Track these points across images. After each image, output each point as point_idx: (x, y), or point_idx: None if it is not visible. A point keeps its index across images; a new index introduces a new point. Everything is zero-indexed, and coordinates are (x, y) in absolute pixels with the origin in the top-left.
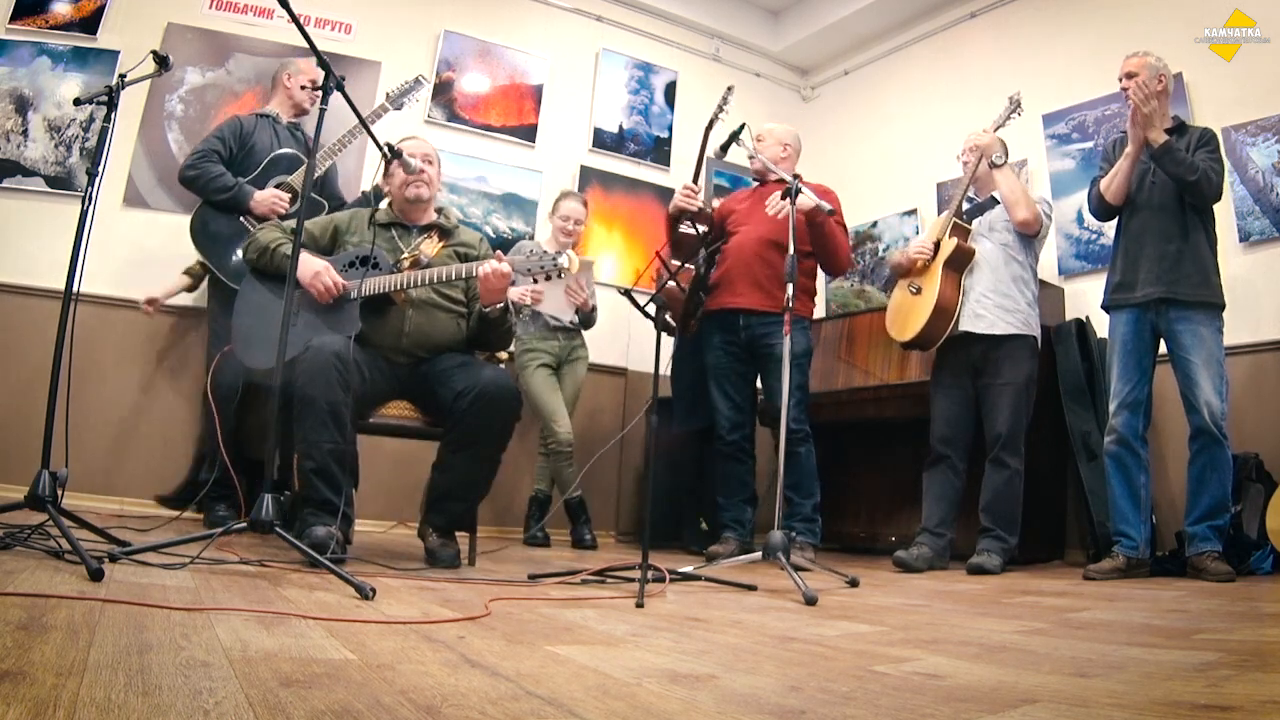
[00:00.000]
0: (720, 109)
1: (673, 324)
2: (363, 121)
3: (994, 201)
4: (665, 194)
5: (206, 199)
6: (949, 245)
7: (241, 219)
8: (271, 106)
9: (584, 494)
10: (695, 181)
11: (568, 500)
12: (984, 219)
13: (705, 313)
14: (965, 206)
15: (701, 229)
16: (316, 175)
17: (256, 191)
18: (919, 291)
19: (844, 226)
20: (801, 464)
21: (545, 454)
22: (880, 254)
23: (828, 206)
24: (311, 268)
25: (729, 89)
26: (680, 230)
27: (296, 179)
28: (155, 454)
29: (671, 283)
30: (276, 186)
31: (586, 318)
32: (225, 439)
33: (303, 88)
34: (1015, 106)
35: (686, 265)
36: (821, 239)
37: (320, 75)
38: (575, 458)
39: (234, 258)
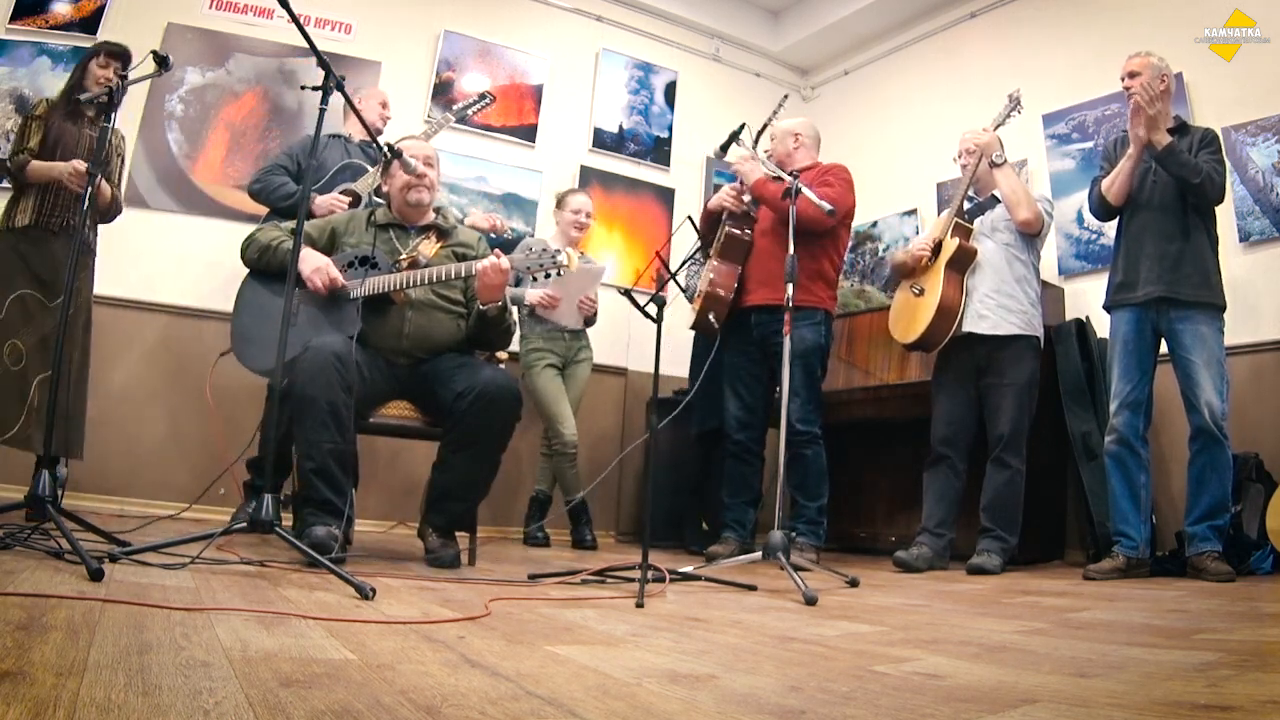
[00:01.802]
0: (775, 114)
1: (716, 325)
2: (363, 121)
3: (995, 201)
4: (665, 194)
5: (272, 207)
6: (951, 245)
7: None
8: (344, 129)
9: (585, 495)
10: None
11: (568, 502)
12: (985, 219)
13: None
14: (966, 206)
15: (747, 233)
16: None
17: (317, 196)
18: (922, 293)
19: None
20: (809, 466)
21: (548, 455)
22: (880, 254)
23: (827, 207)
24: (313, 262)
25: (785, 98)
26: (730, 230)
27: (359, 185)
28: (156, 454)
29: (716, 288)
30: (341, 193)
31: (588, 318)
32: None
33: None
34: (1015, 104)
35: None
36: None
37: (386, 97)
38: (577, 458)
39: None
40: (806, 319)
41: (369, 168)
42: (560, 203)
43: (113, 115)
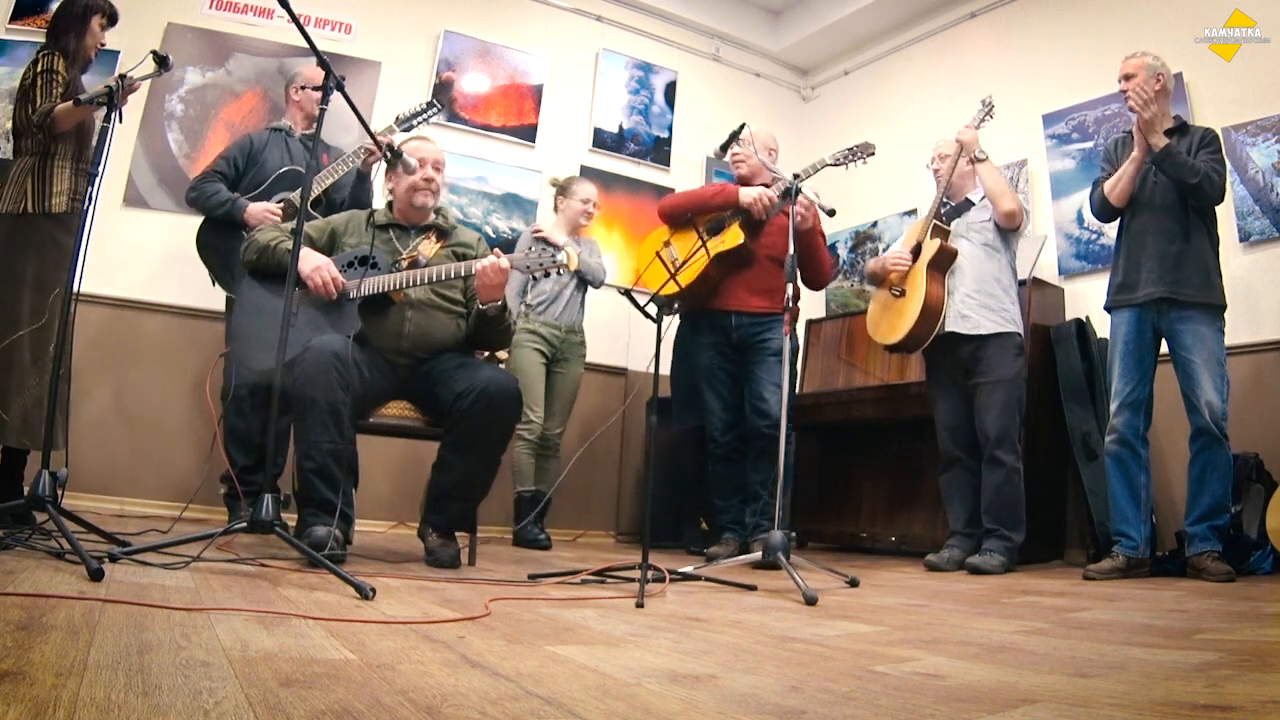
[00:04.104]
0: (859, 161)
1: (678, 307)
2: (363, 122)
3: (969, 204)
4: (665, 194)
5: (208, 214)
6: (932, 246)
7: (242, 233)
8: (285, 121)
9: (543, 489)
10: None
11: (521, 493)
12: (962, 220)
13: (695, 312)
14: (942, 210)
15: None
16: (329, 184)
17: (250, 204)
18: (903, 294)
19: (823, 236)
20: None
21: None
22: (880, 254)
23: (829, 206)
24: (312, 261)
25: (866, 156)
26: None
27: (296, 195)
28: (155, 454)
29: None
30: (277, 202)
31: (594, 279)
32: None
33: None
34: (988, 109)
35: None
36: (808, 250)
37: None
38: (560, 455)
39: (226, 267)
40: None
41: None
42: (566, 190)
43: (112, 115)
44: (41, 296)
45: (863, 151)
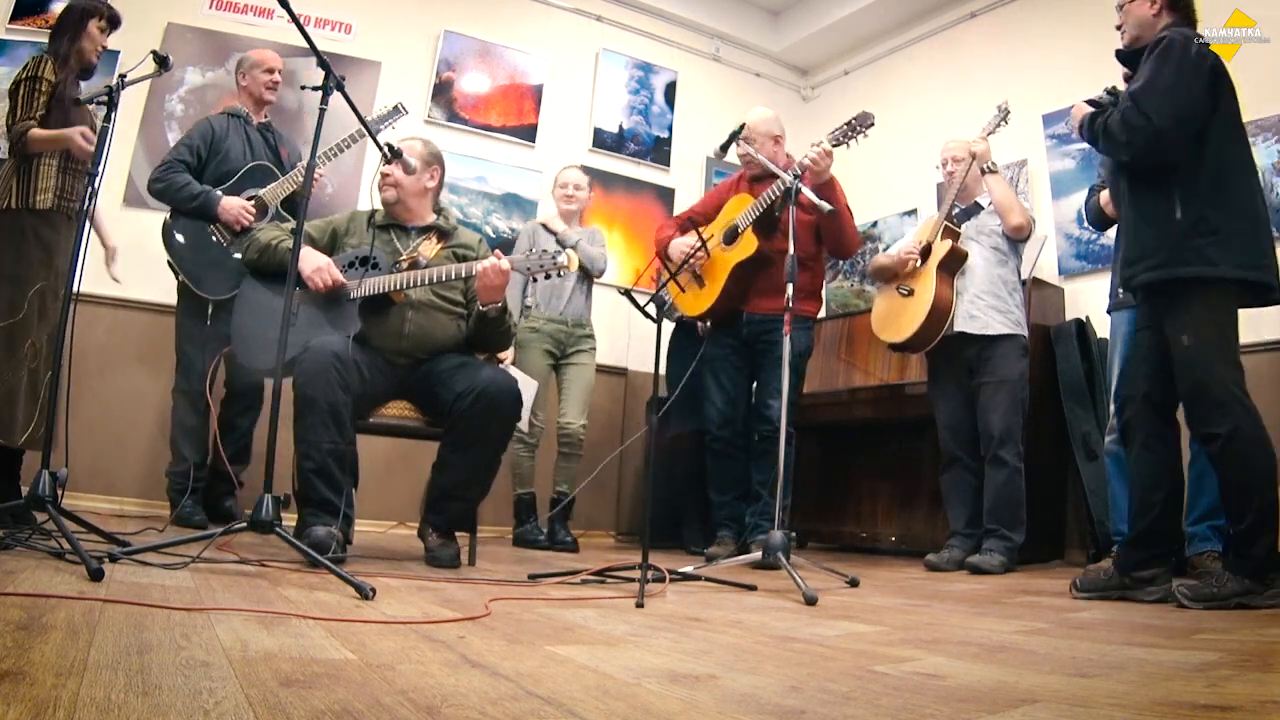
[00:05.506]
0: (860, 134)
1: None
2: (363, 122)
3: (978, 207)
4: (665, 194)
5: (175, 208)
6: (943, 247)
7: (210, 227)
8: (239, 105)
9: (564, 490)
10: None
11: (521, 495)
12: (971, 224)
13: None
14: (954, 212)
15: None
16: (290, 192)
17: (225, 197)
18: (910, 294)
19: (849, 209)
20: (786, 463)
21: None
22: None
23: (827, 207)
24: (313, 261)
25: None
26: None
27: (267, 194)
28: (155, 454)
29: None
30: (249, 199)
31: (593, 268)
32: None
33: (267, 73)
34: (1004, 115)
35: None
36: (830, 223)
37: (277, 61)
38: (568, 457)
39: (196, 264)
40: (801, 324)
41: (277, 171)
42: (554, 180)
43: (113, 115)
44: (19, 291)
45: (860, 124)
